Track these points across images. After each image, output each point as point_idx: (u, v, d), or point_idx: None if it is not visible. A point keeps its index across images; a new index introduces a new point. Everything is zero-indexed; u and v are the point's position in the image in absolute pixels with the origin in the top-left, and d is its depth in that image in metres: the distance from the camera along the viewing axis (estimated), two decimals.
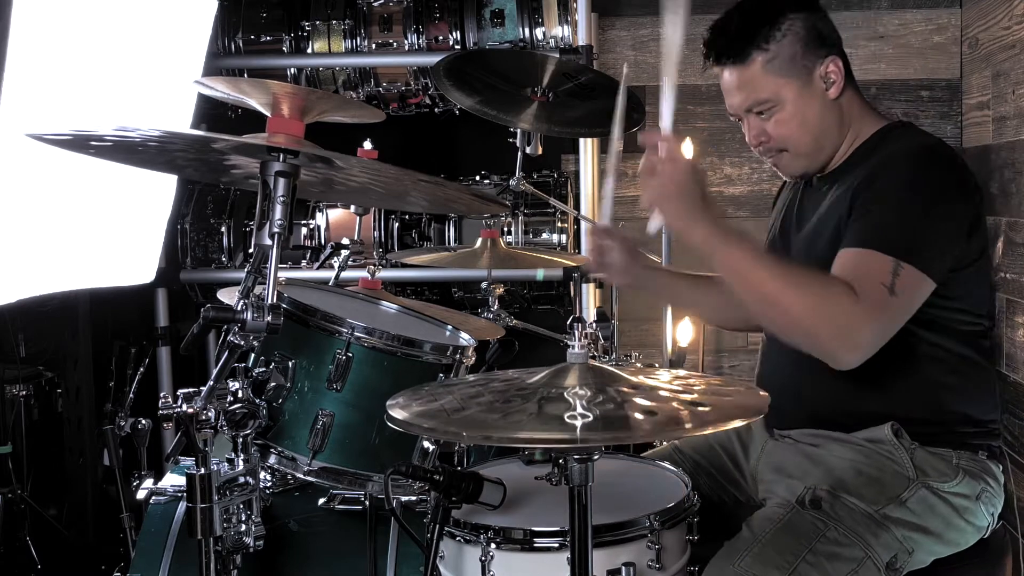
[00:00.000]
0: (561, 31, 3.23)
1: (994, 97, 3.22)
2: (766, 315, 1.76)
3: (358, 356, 1.77)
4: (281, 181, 1.55)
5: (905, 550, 1.75)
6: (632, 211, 3.72)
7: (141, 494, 2.04)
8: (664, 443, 2.19)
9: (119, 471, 2.93)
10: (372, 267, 2.39)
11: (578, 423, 1.28)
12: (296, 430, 1.76)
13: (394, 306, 2.13)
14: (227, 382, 1.64)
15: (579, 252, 3.23)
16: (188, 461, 1.71)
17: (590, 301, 3.19)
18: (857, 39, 3.54)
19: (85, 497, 3.22)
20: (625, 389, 1.38)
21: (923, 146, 1.83)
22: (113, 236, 2.65)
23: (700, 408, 1.37)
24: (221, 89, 1.66)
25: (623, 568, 1.58)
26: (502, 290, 2.68)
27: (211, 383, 1.61)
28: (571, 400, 1.34)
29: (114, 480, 2.95)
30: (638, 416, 1.31)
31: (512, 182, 2.69)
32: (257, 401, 1.67)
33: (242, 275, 1.69)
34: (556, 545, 1.59)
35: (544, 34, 3.24)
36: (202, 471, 1.56)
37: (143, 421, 2.26)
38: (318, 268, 2.70)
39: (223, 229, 3.42)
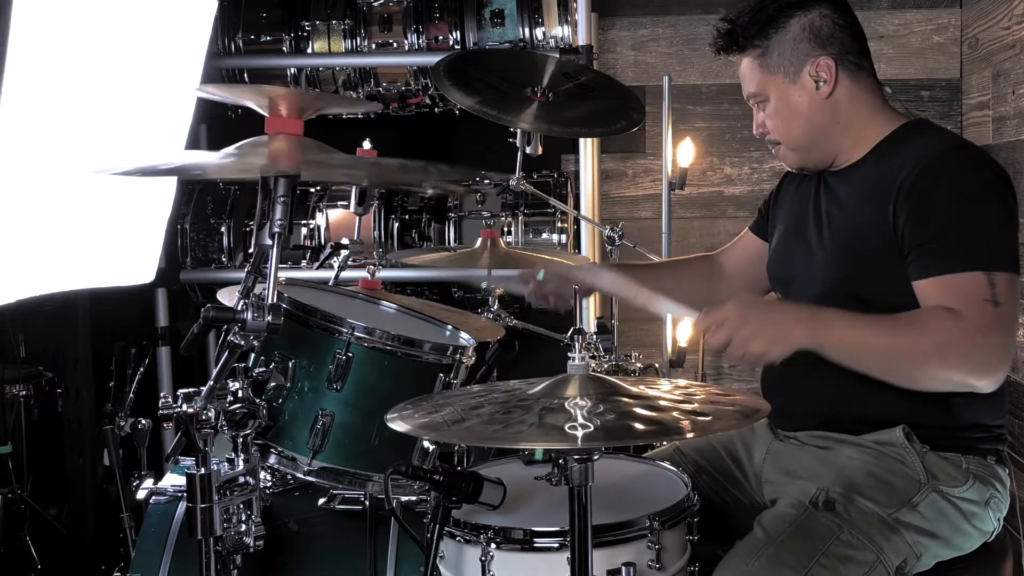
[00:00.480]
0: (561, 31, 3.23)
1: (994, 97, 3.22)
2: (897, 376, 1.72)
3: (358, 356, 1.77)
4: (281, 181, 1.55)
5: (914, 554, 1.75)
6: (632, 211, 3.75)
7: (141, 494, 2.04)
8: (665, 444, 2.19)
9: (119, 471, 2.93)
10: (372, 267, 2.39)
11: (579, 434, 1.29)
12: (296, 430, 1.76)
13: (394, 306, 2.13)
14: (227, 382, 1.65)
15: (579, 252, 3.23)
16: (188, 461, 1.71)
17: (591, 305, 3.19)
18: None
19: (85, 497, 3.21)
20: (625, 399, 1.39)
21: (954, 148, 1.81)
22: (113, 236, 2.65)
23: (701, 418, 1.37)
24: (220, 95, 1.67)
25: (623, 568, 1.58)
26: (502, 290, 2.68)
27: (211, 383, 1.61)
28: (572, 411, 1.35)
29: (114, 480, 2.95)
30: (639, 427, 1.32)
31: (512, 182, 2.69)
32: (257, 401, 1.67)
33: (242, 275, 1.69)
34: (556, 545, 1.59)
35: (544, 34, 3.24)
36: (202, 471, 1.56)
37: (143, 421, 2.27)
38: (318, 268, 2.70)
39: (223, 229, 3.42)
